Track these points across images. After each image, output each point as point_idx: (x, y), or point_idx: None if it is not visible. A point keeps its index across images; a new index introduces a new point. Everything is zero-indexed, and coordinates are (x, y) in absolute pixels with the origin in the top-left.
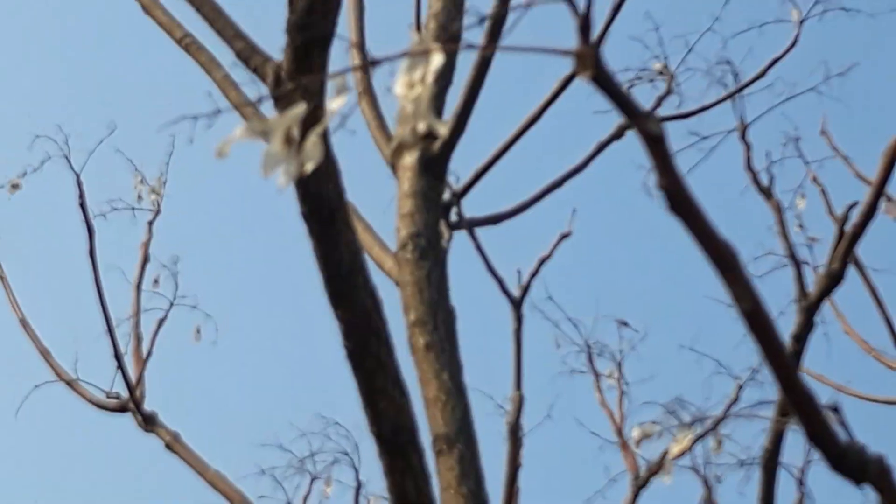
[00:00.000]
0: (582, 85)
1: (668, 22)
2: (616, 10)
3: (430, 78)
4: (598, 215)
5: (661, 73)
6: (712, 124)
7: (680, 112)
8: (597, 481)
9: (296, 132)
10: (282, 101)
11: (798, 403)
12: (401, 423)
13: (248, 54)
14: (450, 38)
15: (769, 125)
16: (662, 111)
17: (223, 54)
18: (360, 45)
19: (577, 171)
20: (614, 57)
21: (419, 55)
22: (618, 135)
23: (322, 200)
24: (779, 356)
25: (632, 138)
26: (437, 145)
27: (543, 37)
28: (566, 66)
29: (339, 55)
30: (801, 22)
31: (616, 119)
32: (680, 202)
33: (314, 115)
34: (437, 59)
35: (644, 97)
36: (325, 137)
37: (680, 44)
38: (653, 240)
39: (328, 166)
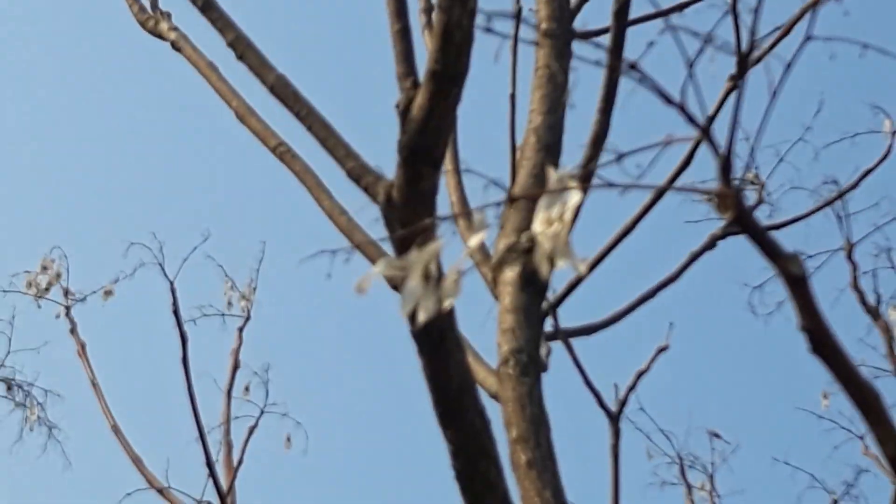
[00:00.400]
0: (676, 195)
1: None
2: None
3: (569, 215)
4: (692, 326)
5: (752, 182)
6: (806, 237)
7: (772, 223)
8: None
9: (433, 269)
10: (391, 221)
11: None
12: None
13: (360, 173)
14: (585, 174)
15: (860, 232)
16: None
17: (316, 162)
18: (455, 171)
19: (671, 282)
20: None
21: (558, 193)
22: (710, 245)
23: (433, 321)
24: None
25: (724, 248)
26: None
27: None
28: (677, 136)
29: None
30: (894, 132)
31: (708, 230)
32: (823, 344)
33: (425, 238)
34: (576, 198)
35: None
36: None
37: (771, 153)
38: (745, 351)
39: None
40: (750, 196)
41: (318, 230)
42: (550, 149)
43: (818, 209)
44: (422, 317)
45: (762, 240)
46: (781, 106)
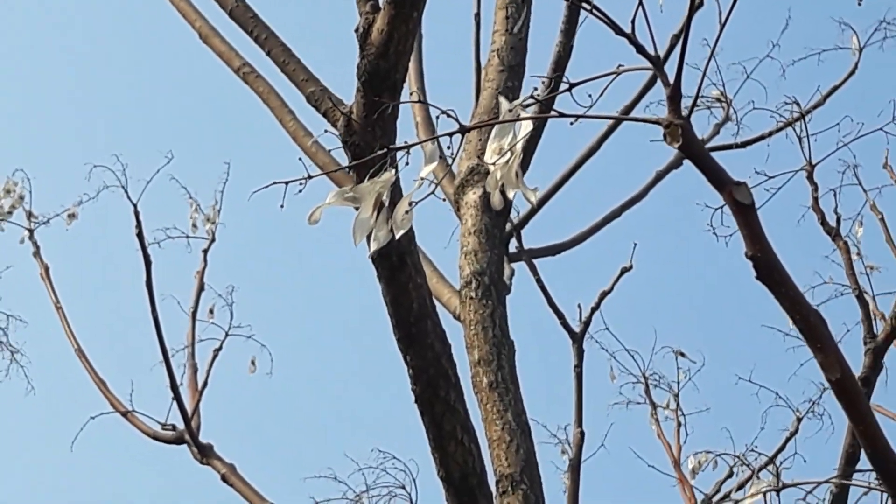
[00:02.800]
0: (641, 111)
1: (725, 49)
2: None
3: (520, 146)
4: (656, 245)
5: (718, 100)
6: (773, 154)
7: (738, 141)
8: None
9: (385, 199)
10: (351, 145)
11: (885, 468)
12: (469, 467)
13: (319, 98)
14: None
15: (827, 147)
16: (720, 138)
17: (280, 83)
18: (422, 93)
19: (636, 201)
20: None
21: (509, 122)
22: (676, 164)
23: (392, 245)
24: (865, 421)
25: (689, 168)
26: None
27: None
28: (627, 93)
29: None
30: (861, 49)
31: (673, 150)
32: (769, 271)
33: (386, 162)
34: (527, 128)
35: (702, 124)
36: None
37: (738, 71)
38: (710, 270)
39: None
40: (716, 113)
41: (282, 151)
42: (513, 70)
43: (780, 129)
44: (373, 247)
45: (709, 168)
46: (749, 23)
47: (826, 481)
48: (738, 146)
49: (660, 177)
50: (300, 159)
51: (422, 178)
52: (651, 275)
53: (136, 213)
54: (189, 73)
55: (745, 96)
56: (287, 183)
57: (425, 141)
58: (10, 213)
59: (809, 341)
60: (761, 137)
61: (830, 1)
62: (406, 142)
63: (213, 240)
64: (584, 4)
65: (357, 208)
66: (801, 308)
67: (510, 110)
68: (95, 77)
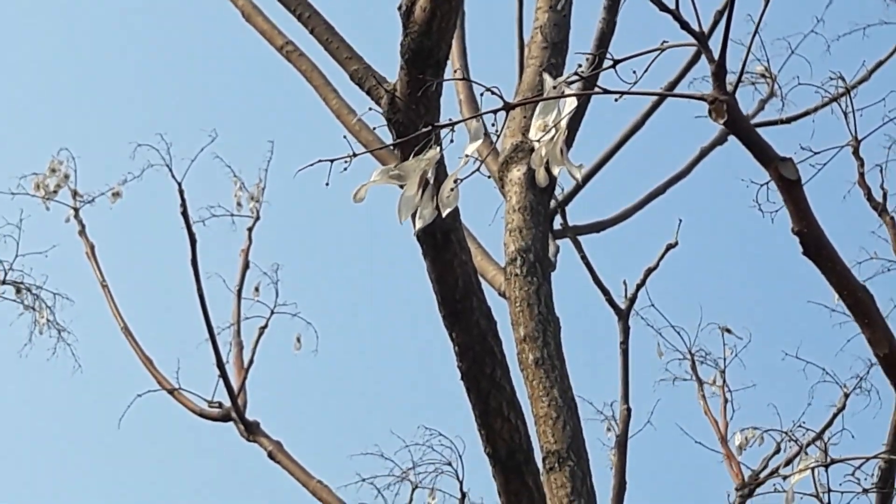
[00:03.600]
0: (686, 87)
1: (770, 24)
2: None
3: (564, 122)
4: (703, 222)
5: (763, 76)
6: (818, 129)
7: (783, 117)
8: (701, 490)
9: (430, 176)
10: (395, 123)
11: None
12: (516, 443)
13: (363, 76)
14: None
15: (873, 123)
16: (764, 114)
17: (323, 61)
18: (465, 70)
19: (681, 178)
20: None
21: (553, 99)
22: (720, 140)
23: (437, 223)
24: None
25: (734, 144)
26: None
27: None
28: (671, 69)
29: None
30: None
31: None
32: (815, 247)
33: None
34: (571, 104)
35: (746, 100)
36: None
37: (782, 46)
38: (756, 246)
39: None
40: (761, 89)
41: (325, 129)
42: (556, 46)
43: (826, 104)
44: (418, 225)
45: (755, 144)
46: None
47: (874, 457)
48: (783, 122)
49: (704, 153)
50: (345, 137)
51: (467, 156)
52: (697, 251)
53: (181, 192)
54: (233, 51)
55: (789, 72)
56: (332, 161)
57: (469, 118)
58: (55, 192)
59: (857, 317)
60: (806, 113)
61: None
62: (450, 119)
63: (257, 218)
64: None
65: (402, 186)
66: (848, 284)
67: (554, 87)
68: (140, 56)
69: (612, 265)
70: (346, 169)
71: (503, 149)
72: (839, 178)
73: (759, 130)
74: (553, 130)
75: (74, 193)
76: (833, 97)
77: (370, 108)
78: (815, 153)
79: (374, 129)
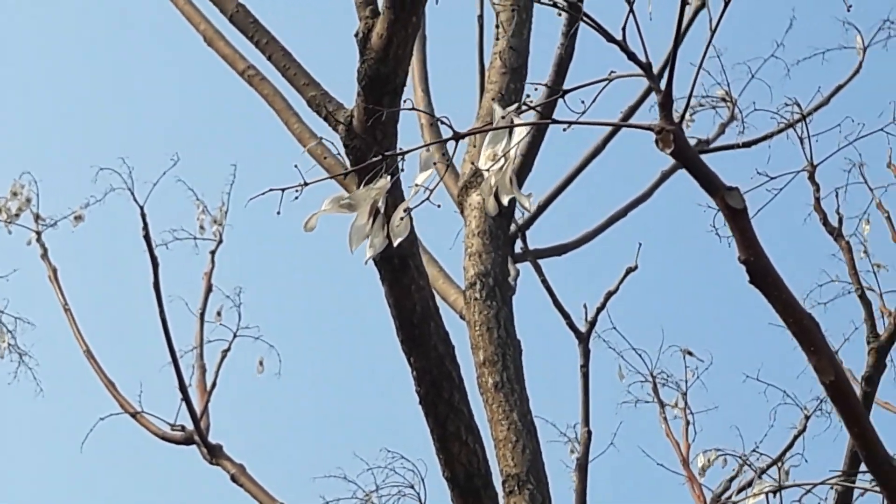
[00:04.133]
0: (646, 115)
1: (731, 48)
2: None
3: (514, 152)
4: (664, 245)
5: (723, 99)
6: (778, 152)
7: (741, 141)
8: None
9: (381, 205)
10: (353, 149)
11: (878, 470)
12: (474, 467)
13: (320, 102)
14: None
15: (831, 147)
16: (725, 138)
17: (284, 86)
18: (426, 93)
19: (641, 201)
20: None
21: (503, 129)
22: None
23: (394, 249)
24: (860, 423)
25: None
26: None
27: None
28: (631, 95)
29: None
30: (865, 49)
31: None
32: (762, 276)
33: (388, 167)
34: (521, 134)
35: (707, 124)
36: (407, 209)
37: (743, 70)
38: (716, 269)
39: None
40: (722, 113)
41: (288, 153)
42: (515, 72)
43: (782, 130)
44: (369, 253)
45: (701, 174)
46: (753, 23)
47: (825, 482)
48: (741, 146)
49: (665, 176)
50: (296, 166)
51: (417, 185)
52: (658, 273)
53: (143, 216)
54: (195, 75)
55: (750, 96)
56: (283, 190)
57: (419, 147)
58: (17, 215)
59: (803, 344)
60: (764, 138)
61: (834, 1)
62: (401, 148)
63: (220, 241)
64: (574, 12)
65: (354, 214)
66: (794, 312)
67: (503, 117)
68: (102, 80)
69: (574, 288)
70: (297, 198)
71: (462, 173)
72: (801, 202)
73: (719, 154)
74: (502, 160)
75: (37, 217)
76: (789, 123)
77: (322, 139)
78: (771, 178)
79: (337, 154)
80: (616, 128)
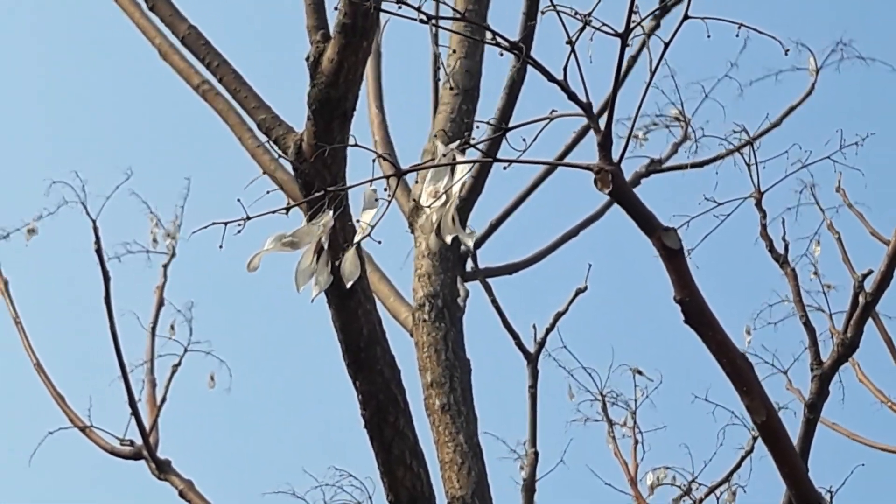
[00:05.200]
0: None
1: (685, 68)
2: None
3: (456, 190)
4: (615, 264)
5: (677, 119)
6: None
7: (691, 161)
8: None
9: (325, 242)
10: (302, 173)
11: None
12: (418, 491)
13: (271, 125)
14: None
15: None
16: (678, 158)
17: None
18: (381, 111)
19: (593, 221)
20: (629, 102)
21: (445, 166)
22: (633, 184)
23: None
24: (790, 463)
25: (645, 188)
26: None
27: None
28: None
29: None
30: (818, 70)
31: (632, 168)
32: (697, 316)
33: (336, 197)
34: (464, 172)
35: (661, 143)
36: (357, 246)
37: (696, 90)
38: (668, 288)
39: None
40: (675, 132)
41: (241, 167)
42: (468, 93)
43: (727, 154)
44: (315, 291)
45: (638, 213)
46: (708, 42)
47: None
48: (691, 167)
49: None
50: (239, 200)
51: (362, 223)
52: (609, 292)
53: (96, 229)
54: (149, 89)
55: (704, 115)
56: (226, 224)
57: (363, 183)
58: None
59: (736, 384)
60: (714, 159)
61: (789, 22)
62: (344, 184)
63: (173, 255)
64: (516, 52)
65: (296, 252)
66: (727, 352)
67: (444, 155)
68: (54, 92)
69: (523, 306)
70: (239, 232)
71: (414, 194)
72: (752, 220)
73: (674, 174)
74: (444, 197)
75: None
76: (736, 147)
77: (279, 156)
78: (719, 204)
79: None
80: (571, 146)
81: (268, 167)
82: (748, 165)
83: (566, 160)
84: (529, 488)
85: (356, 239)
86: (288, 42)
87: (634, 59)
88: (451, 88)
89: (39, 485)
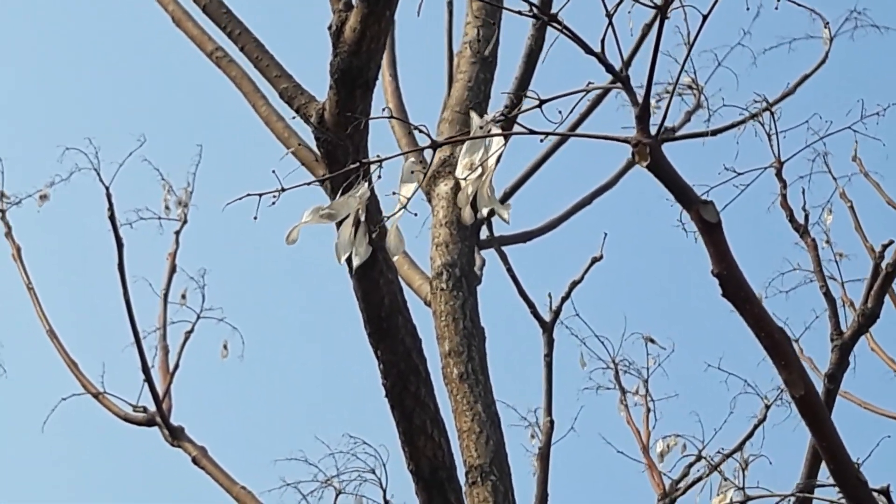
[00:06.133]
0: (611, 100)
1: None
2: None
3: (492, 162)
4: (628, 232)
5: (690, 87)
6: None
7: (709, 129)
8: (623, 500)
9: (362, 214)
10: (324, 141)
11: (846, 484)
12: (439, 461)
13: (292, 94)
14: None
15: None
16: (691, 126)
17: (252, 68)
18: (395, 79)
19: (607, 188)
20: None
21: (480, 139)
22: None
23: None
24: (828, 438)
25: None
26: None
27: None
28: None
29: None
30: (832, 39)
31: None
32: (734, 289)
33: (357, 158)
34: (499, 144)
35: (673, 111)
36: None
37: (709, 58)
38: (680, 256)
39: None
40: (688, 101)
41: (254, 134)
42: (485, 62)
43: (745, 121)
44: (356, 262)
45: (676, 187)
46: (721, 10)
47: (791, 494)
48: (708, 134)
49: (630, 164)
50: (273, 171)
51: (401, 196)
52: (621, 260)
53: (109, 196)
54: (162, 56)
55: (716, 84)
56: (260, 195)
57: (399, 155)
58: None
59: (774, 358)
60: (730, 126)
61: None
62: (378, 155)
63: (185, 222)
64: (554, 24)
65: (335, 224)
66: (765, 325)
67: (481, 127)
68: (68, 58)
69: (537, 274)
70: (273, 203)
71: (431, 164)
72: (764, 189)
73: (687, 142)
74: (479, 170)
75: (1, 195)
76: (754, 113)
77: (294, 117)
78: (739, 174)
79: (300, 144)
80: (584, 115)
81: (281, 134)
82: (768, 135)
83: (582, 130)
84: (545, 457)
85: (395, 211)
86: (308, 10)
87: (649, 27)
88: (470, 56)
89: (53, 451)
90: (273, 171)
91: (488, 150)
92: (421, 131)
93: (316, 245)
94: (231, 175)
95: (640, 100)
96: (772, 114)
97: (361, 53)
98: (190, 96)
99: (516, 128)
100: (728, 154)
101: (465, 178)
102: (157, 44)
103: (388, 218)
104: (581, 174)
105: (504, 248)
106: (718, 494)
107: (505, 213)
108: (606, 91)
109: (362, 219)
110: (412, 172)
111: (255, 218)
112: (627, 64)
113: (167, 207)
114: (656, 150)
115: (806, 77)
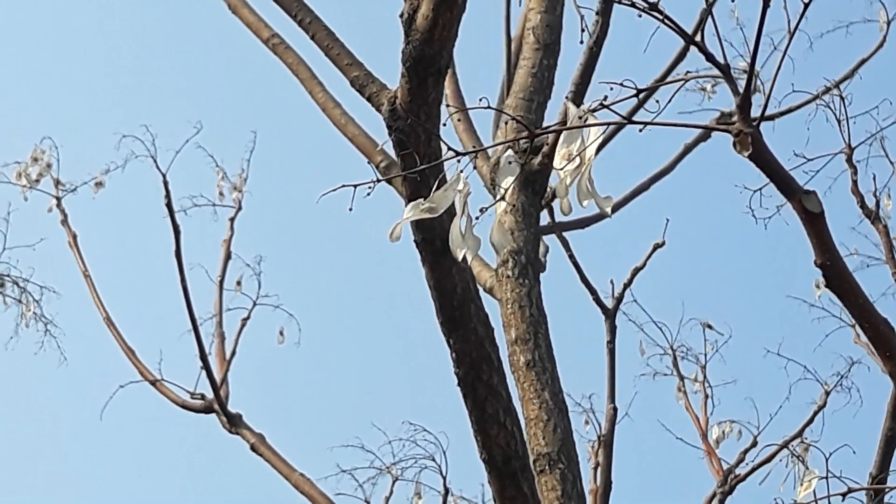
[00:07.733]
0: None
1: (753, 20)
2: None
3: (591, 152)
4: (685, 218)
5: (745, 72)
6: (800, 130)
7: (779, 111)
8: (682, 485)
9: (468, 207)
10: (396, 130)
11: None
12: (512, 450)
13: (364, 82)
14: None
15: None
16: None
17: (309, 54)
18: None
19: (665, 174)
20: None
21: (577, 128)
22: (704, 137)
23: (436, 230)
24: None
25: (717, 140)
26: (536, 161)
27: None
28: (696, 73)
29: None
30: (888, 23)
31: (704, 119)
32: (838, 280)
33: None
34: (597, 134)
35: (727, 97)
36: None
37: (765, 43)
38: (737, 242)
39: None
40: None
41: (310, 121)
42: (548, 48)
43: (811, 101)
44: (469, 256)
45: (779, 177)
46: None
47: (892, 488)
48: (766, 119)
49: (688, 150)
50: (369, 163)
51: (502, 189)
52: (679, 246)
53: (166, 183)
54: (218, 43)
55: (772, 68)
56: (356, 186)
57: (496, 145)
58: (37, 181)
59: (878, 349)
60: (790, 110)
61: None
62: (474, 146)
63: (239, 208)
64: (655, 14)
65: (435, 216)
66: (870, 316)
67: (580, 117)
68: (125, 47)
69: (593, 261)
70: (369, 194)
71: (495, 151)
72: (822, 174)
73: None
74: (578, 161)
75: (57, 182)
76: (817, 94)
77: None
78: (809, 160)
79: (363, 132)
80: (645, 98)
81: (338, 121)
82: (838, 121)
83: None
84: (609, 444)
85: (495, 205)
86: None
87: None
88: (533, 43)
89: (111, 438)
90: (369, 163)
91: (585, 140)
92: (518, 121)
93: (372, 230)
94: (285, 161)
95: (740, 90)
96: (842, 98)
97: (434, 41)
98: (245, 83)
99: (615, 118)
100: (779, 140)
101: (562, 169)
102: (213, 31)
103: (488, 209)
104: (640, 159)
105: (565, 236)
106: (803, 483)
107: (606, 206)
108: (675, 64)
109: (465, 210)
110: (510, 163)
111: (351, 209)
112: (752, 63)
113: (221, 194)
114: (758, 139)
115: (864, 61)
